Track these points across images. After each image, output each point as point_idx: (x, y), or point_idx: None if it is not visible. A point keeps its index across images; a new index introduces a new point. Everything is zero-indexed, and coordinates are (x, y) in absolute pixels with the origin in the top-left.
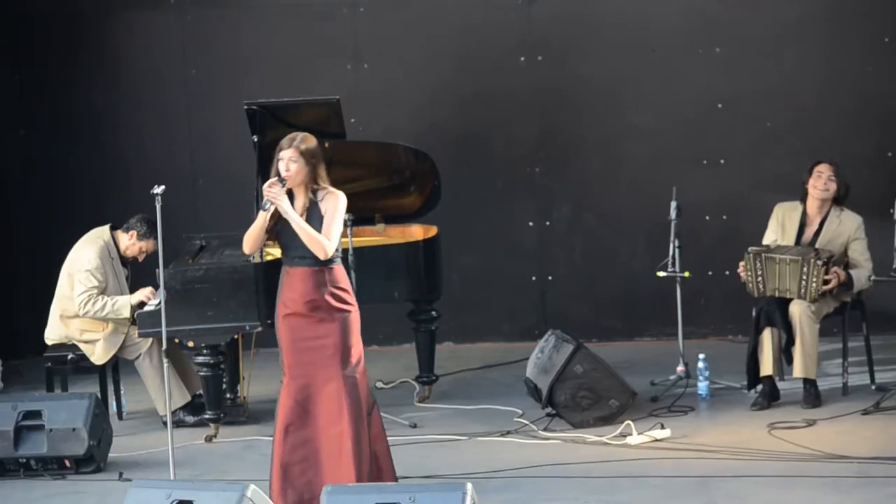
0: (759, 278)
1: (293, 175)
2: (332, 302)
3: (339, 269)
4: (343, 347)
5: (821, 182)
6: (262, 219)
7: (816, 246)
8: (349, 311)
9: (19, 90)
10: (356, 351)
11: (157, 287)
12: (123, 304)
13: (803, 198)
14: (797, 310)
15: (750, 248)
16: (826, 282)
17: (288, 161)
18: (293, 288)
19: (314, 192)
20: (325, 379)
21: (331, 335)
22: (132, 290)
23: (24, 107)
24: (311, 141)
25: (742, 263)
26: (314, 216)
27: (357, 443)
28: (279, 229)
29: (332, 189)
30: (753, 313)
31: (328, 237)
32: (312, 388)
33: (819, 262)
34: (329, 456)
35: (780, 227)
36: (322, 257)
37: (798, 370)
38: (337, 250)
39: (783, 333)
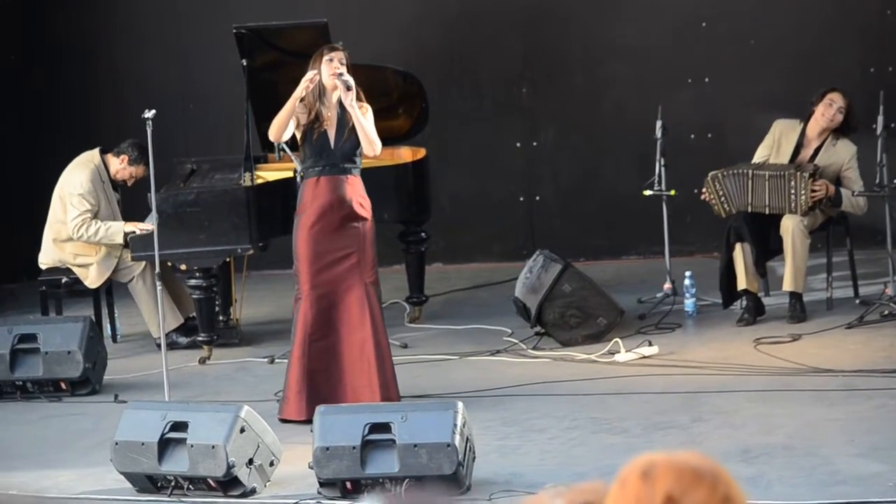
0: (723, 199)
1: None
2: (359, 210)
3: (360, 179)
4: (364, 256)
5: (830, 111)
6: (293, 104)
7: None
8: (370, 220)
9: (10, 15)
10: (374, 260)
11: (146, 218)
12: (117, 230)
13: (807, 118)
14: (790, 224)
15: (709, 174)
16: (814, 190)
17: (338, 61)
18: (322, 196)
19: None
20: (347, 287)
21: (354, 245)
22: (123, 214)
23: (14, 32)
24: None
25: (704, 190)
26: (344, 123)
27: (378, 348)
28: (312, 137)
29: (363, 102)
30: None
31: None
32: (335, 297)
33: (806, 175)
34: (351, 363)
35: (775, 145)
36: (372, 154)
37: (788, 283)
38: (360, 160)
39: (754, 248)
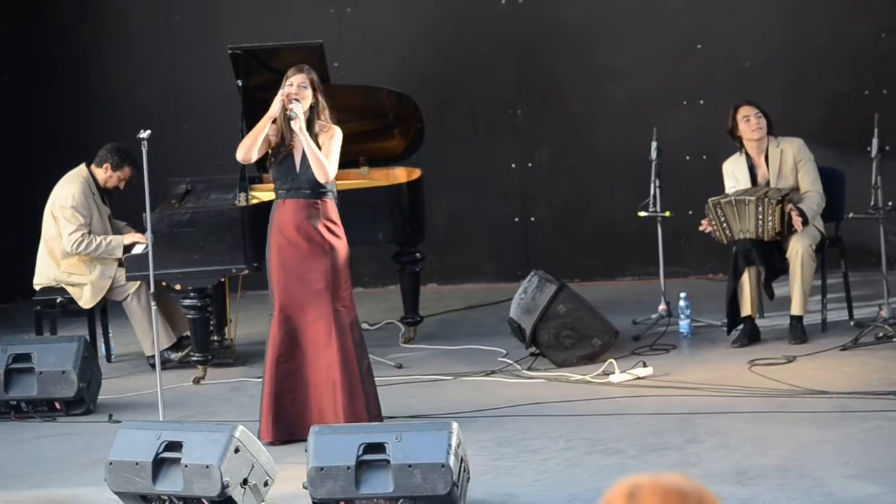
0: (724, 224)
1: (304, 99)
2: (325, 234)
3: (331, 204)
4: (333, 280)
5: (752, 124)
6: (265, 124)
7: (769, 179)
8: (339, 245)
9: (4, 36)
10: (345, 284)
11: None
12: (117, 244)
13: (739, 144)
14: (799, 247)
15: (709, 200)
16: (785, 213)
17: (298, 86)
18: (286, 219)
19: (313, 124)
20: (314, 310)
21: (321, 268)
22: (114, 231)
23: (8, 53)
24: (315, 73)
25: (706, 219)
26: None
27: (346, 371)
28: (278, 159)
29: (331, 124)
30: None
31: (329, 162)
32: (301, 320)
33: (773, 201)
34: (316, 385)
35: (734, 181)
36: (323, 180)
37: (797, 307)
38: (331, 184)
39: (762, 269)
